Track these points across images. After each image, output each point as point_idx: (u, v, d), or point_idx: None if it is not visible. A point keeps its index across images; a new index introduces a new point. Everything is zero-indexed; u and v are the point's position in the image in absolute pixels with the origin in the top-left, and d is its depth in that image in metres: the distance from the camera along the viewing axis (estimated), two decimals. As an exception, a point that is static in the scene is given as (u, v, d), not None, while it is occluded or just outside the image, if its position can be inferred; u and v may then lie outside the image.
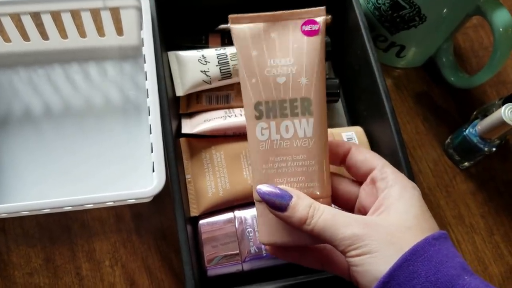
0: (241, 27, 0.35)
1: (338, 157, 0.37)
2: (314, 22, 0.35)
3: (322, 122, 0.34)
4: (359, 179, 0.36)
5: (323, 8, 0.35)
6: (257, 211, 0.36)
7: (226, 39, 0.51)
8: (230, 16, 0.35)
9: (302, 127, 0.34)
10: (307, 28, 0.35)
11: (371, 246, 0.29)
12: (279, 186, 0.34)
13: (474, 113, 0.52)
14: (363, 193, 0.35)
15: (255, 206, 0.36)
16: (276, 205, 0.33)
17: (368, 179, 0.35)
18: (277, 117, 0.34)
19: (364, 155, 0.35)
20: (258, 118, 0.34)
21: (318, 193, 0.34)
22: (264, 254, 0.42)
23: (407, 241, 0.29)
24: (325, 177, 0.35)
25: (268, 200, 0.33)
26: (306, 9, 0.35)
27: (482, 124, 0.48)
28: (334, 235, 0.31)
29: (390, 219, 0.31)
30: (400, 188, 0.33)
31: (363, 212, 0.35)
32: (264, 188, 0.33)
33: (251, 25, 0.35)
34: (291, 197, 0.33)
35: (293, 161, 0.34)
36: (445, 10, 0.48)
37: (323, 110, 0.34)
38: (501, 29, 0.45)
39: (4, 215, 0.45)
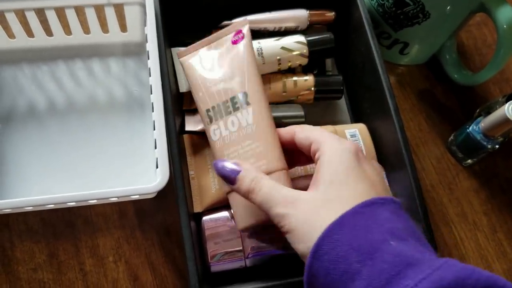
0: (186, 58, 0.43)
1: (289, 143, 0.38)
2: (239, 32, 0.42)
3: (262, 108, 0.39)
4: (312, 157, 0.36)
5: (246, 20, 0.43)
6: (230, 202, 0.39)
7: (230, 36, 0.51)
8: (178, 53, 0.44)
9: (244, 117, 0.39)
10: (235, 38, 0.42)
11: (289, 226, 0.31)
12: (231, 160, 0.36)
13: (478, 110, 0.52)
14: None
15: (228, 200, 0.39)
16: (226, 178, 0.36)
17: (311, 152, 0.35)
18: (223, 116, 0.40)
19: (305, 133, 0.36)
20: (210, 122, 0.40)
21: (270, 169, 0.37)
22: (267, 251, 0.43)
23: (323, 217, 0.30)
24: (274, 154, 0.38)
25: (220, 174, 0.36)
26: (232, 24, 0.43)
27: (486, 122, 0.48)
28: (268, 211, 0.33)
29: (317, 192, 0.32)
30: (328, 155, 0.33)
31: None
32: (218, 163, 0.36)
33: (194, 53, 0.43)
34: (239, 171, 0.35)
35: (242, 148, 0.39)
36: (448, 7, 0.48)
37: (261, 99, 0.40)
38: (505, 26, 0.45)
39: (8, 211, 0.45)
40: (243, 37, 0.42)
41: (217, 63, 0.42)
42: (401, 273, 0.26)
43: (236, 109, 0.39)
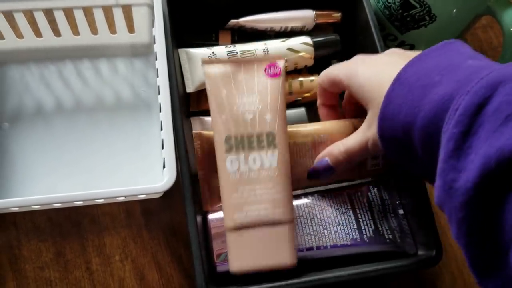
0: (212, 68, 0.40)
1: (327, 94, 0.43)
2: (276, 66, 0.41)
3: (286, 153, 0.39)
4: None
5: (283, 60, 0.42)
6: (229, 240, 0.39)
7: (236, 36, 0.51)
8: (202, 59, 0.41)
9: (268, 159, 0.39)
10: (270, 71, 0.40)
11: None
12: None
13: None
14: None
15: (226, 236, 0.39)
16: (326, 170, 0.40)
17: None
18: (245, 149, 0.39)
19: (324, 76, 0.42)
20: (228, 151, 0.39)
21: (282, 218, 0.39)
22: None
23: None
24: (289, 203, 0.39)
25: (319, 173, 0.41)
26: (268, 56, 0.44)
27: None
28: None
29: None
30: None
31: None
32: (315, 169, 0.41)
33: (221, 66, 0.40)
34: (328, 160, 0.40)
35: (260, 189, 0.38)
36: (455, 10, 0.48)
37: (286, 143, 0.40)
38: (511, 29, 0.46)
39: (15, 209, 0.46)
40: (280, 73, 0.41)
41: (247, 90, 0.40)
42: (479, 71, 0.28)
43: (261, 147, 0.39)
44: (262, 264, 0.39)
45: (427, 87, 0.30)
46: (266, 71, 0.40)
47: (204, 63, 0.40)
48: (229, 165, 0.39)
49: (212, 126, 0.39)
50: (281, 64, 0.41)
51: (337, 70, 0.40)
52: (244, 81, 0.40)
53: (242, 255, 0.39)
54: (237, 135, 0.39)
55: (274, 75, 0.40)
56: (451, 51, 0.32)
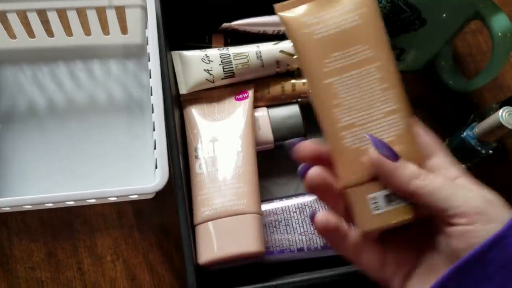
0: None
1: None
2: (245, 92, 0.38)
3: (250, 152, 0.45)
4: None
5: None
6: (197, 234, 0.42)
7: (229, 39, 0.51)
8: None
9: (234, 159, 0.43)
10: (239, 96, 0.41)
11: (488, 216, 0.27)
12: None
13: (472, 116, 0.53)
14: None
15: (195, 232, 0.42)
16: (390, 153, 0.29)
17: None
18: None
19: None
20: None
21: (246, 209, 0.42)
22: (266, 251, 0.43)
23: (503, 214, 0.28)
24: (252, 195, 0.42)
25: (382, 145, 0.29)
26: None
27: (480, 127, 0.49)
28: (450, 200, 0.28)
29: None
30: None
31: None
32: (376, 138, 0.30)
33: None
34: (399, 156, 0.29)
35: (225, 185, 0.42)
36: (445, 14, 0.49)
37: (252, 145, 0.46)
38: (499, 34, 0.46)
39: (7, 209, 0.45)
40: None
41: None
42: None
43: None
44: (229, 252, 0.40)
45: None
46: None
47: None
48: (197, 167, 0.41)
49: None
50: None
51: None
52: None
53: (209, 246, 0.41)
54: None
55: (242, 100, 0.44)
56: None
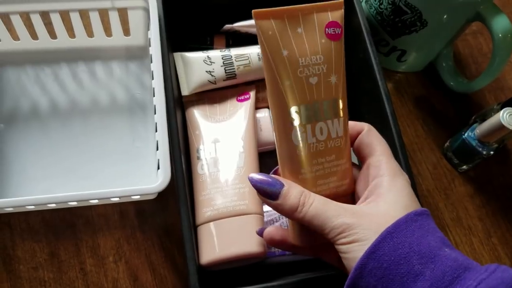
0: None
1: (351, 136, 0.37)
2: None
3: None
4: (360, 161, 0.37)
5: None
6: (198, 234, 0.42)
7: (231, 40, 0.52)
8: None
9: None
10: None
11: (360, 235, 0.30)
12: (272, 175, 0.34)
13: (473, 117, 0.53)
14: (359, 177, 0.36)
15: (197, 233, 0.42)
16: (268, 193, 0.32)
17: (365, 165, 0.35)
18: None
19: (370, 139, 0.36)
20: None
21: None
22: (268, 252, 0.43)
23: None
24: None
25: (259, 188, 0.33)
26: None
27: (481, 128, 0.49)
28: (325, 223, 0.31)
29: (379, 209, 0.32)
30: (391, 178, 0.33)
31: (355, 197, 0.36)
32: (256, 176, 0.33)
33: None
34: (282, 185, 0.32)
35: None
36: (445, 16, 0.49)
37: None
38: (500, 35, 0.46)
39: (10, 210, 0.46)
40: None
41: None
42: (461, 276, 0.28)
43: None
44: (231, 253, 0.40)
45: (408, 279, 0.29)
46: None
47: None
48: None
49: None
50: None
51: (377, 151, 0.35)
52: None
53: (211, 246, 0.41)
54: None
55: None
56: (424, 228, 0.31)
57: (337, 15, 0.33)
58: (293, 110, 0.32)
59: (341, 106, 0.34)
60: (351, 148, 0.37)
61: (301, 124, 0.32)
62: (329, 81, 0.33)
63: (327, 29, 0.33)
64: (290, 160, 0.33)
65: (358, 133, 0.37)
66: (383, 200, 0.32)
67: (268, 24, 0.31)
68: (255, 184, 0.33)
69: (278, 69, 0.31)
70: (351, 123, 0.36)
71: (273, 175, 0.34)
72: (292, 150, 0.33)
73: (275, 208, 0.33)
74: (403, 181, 0.34)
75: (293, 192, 0.32)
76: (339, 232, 0.31)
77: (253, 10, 0.32)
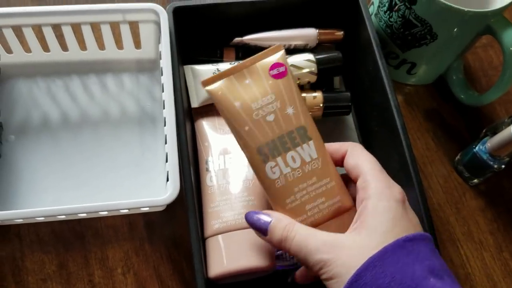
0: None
1: (337, 161, 0.37)
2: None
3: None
4: (354, 183, 0.36)
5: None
6: (207, 247, 0.41)
7: (241, 53, 0.52)
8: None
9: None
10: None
11: (335, 271, 0.30)
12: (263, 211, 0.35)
13: (484, 130, 0.52)
14: (356, 199, 0.35)
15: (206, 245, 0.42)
16: (258, 230, 0.35)
17: (356, 187, 0.35)
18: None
19: (355, 161, 0.35)
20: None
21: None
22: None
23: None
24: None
25: (251, 226, 0.35)
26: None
27: (492, 141, 0.49)
28: (306, 258, 0.32)
29: (360, 237, 0.31)
30: (375, 201, 0.32)
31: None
32: (252, 215, 0.35)
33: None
34: (269, 221, 0.34)
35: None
36: (456, 29, 0.49)
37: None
38: (511, 49, 0.46)
39: (20, 221, 0.46)
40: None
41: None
42: None
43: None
44: (239, 266, 0.40)
45: None
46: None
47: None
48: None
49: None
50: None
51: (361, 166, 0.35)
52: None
53: (219, 259, 0.40)
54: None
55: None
56: (411, 255, 0.30)
57: (278, 56, 0.36)
58: (260, 150, 0.35)
59: (308, 130, 0.36)
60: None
61: (271, 160, 0.35)
62: (287, 114, 0.35)
63: (271, 71, 0.36)
64: (273, 194, 0.35)
65: (343, 156, 0.36)
66: (365, 228, 0.32)
67: (217, 86, 0.36)
68: (248, 222, 0.36)
69: (235, 119, 0.35)
70: (336, 146, 0.37)
71: (264, 211, 0.35)
72: (271, 184, 0.35)
73: (268, 242, 0.35)
74: (388, 203, 0.32)
75: (277, 226, 0.34)
76: (319, 268, 0.31)
77: (201, 81, 0.36)
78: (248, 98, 0.35)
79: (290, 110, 0.35)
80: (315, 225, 0.35)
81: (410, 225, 0.32)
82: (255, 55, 0.36)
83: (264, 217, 0.35)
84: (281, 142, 0.35)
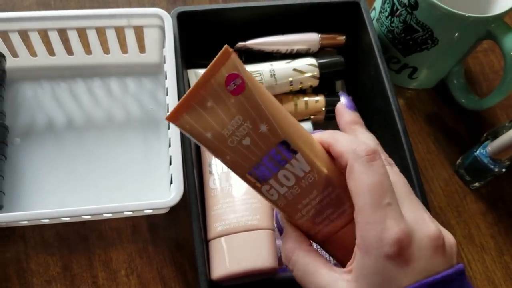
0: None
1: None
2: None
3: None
4: None
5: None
6: (210, 249, 0.42)
7: (244, 58, 0.52)
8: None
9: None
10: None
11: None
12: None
13: (485, 134, 0.53)
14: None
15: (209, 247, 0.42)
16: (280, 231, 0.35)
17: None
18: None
19: (350, 186, 0.30)
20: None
21: (260, 225, 0.38)
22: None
23: None
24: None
25: (277, 226, 0.35)
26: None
27: (493, 145, 0.49)
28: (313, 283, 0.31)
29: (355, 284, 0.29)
30: (362, 255, 0.29)
31: None
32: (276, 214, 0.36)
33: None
34: (282, 230, 0.34)
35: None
36: (457, 34, 0.49)
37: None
38: (511, 53, 0.47)
39: (25, 223, 0.46)
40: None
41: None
42: None
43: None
44: (242, 268, 0.40)
45: None
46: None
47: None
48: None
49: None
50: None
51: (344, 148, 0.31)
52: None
53: (222, 261, 0.41)
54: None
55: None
56: None
57: (230, 65, 0.29)
58: (248, 176, 0.31)
59: (291, 144, 0.31)
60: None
61: (264, 184, 0.31)
62: (261, 132, 0.30)
63: (228, 87, 0.29)
64: (281, 211, 0.33)
65: (345, 167, 0.31)
66: (356, 281, 0.29)
67: (182, 120, 0.29)
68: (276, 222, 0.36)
69: (213, 151, 0.30)
70: (324, 144, 0.33)
71: (282, 220, 0.34)
72: (275, 205, 0.32)
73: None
74: (372, 262, 0.28)
75: (287, 243, 0.33)
76: None
77: (165, 117, 0.31)
78: (217, 125, 0.30)
79: (263, 128, 0.30)
80: (331, 234, 0.33)
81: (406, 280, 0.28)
82: (206, 70, 0.29)
83: (282, 222, 0.34)
84: (267, 163, 0.31)
